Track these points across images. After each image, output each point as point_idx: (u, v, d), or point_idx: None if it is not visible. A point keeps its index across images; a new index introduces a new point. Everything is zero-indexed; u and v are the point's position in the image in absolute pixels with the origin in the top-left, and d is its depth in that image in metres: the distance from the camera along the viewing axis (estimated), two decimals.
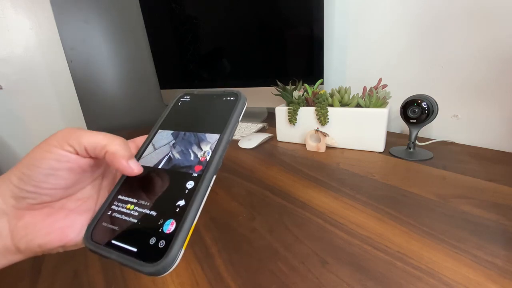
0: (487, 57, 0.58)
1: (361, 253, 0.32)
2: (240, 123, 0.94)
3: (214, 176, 0.20)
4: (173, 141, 0.22)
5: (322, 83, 0.75)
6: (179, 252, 0.16)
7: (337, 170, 0.55)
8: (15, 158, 0.96)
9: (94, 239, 0.19)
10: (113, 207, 0.20)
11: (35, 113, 0.98)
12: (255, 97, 0.93)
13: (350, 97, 0.65)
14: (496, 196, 0.41)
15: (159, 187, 0.20)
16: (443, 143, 0.65)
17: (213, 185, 0.19)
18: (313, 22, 0.75)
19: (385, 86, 0.62)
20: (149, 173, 0.21)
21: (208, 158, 0.20)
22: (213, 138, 0.21)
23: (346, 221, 0.38)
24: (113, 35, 1.17)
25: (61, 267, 0.35)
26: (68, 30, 1.05)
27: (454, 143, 0.65)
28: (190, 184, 0.19)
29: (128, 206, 0.20)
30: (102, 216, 0.20)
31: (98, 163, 0.21)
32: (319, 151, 0.66)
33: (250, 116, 1.05)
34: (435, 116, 0.55)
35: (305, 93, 0.70)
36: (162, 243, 0.17)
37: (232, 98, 0.23)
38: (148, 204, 0.19)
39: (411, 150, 0.59)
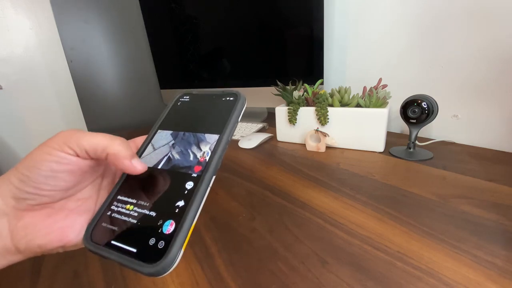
0: (487, 57, 0.58)
1: (361, 253, 0.32)
2: (240, 123, 0.94)
3: (214, 177, 0.20)
4: (173, 142, 0.22)
5: (322, 83, 0.75)
6: (178, 253, 0.16)
7: (337, 170, 0.55)
8: (15, 158, 0.96)
9: (93, 239, 0.19)
10: (112, 207, 0.20)
11: (35, 113, 0.98)
12: (255, 97, 0.93)
13: (350, 97, 0.65)
14: (496, 196, 0.41)
15: (158, 187, 0.20)
16: (443, 143, 0.65)
17: (213, 185, 0.19)
18: (313, 22, 0.75)
19: (385, 86, 0.62)
20: (149, 173, 0.21)
21: (207, 158, 0.20)
22: (212, 138, 0.21)
23: (346, 221, 0.38)
24: (113, 35, 1.17)
25: (61, 267, 0.35)
26: (68, 30, 1.05)
27: (454, 143, 0.65)
28: (189, 185, 0.19)
29: (128, 206, 0.20)
30: (102, 216, 0.20)
31: (98, 164, 0.21)
32: (319, 151, 0.66)
33: (250, 116, 1.05)
34: (435, 116, 0.55)
35: (305, 93, 0.70)
36: (161, 244, 0.17)
37: (231, 98, 0.23)
38: (147, 204, 0.19)
39: (411, 150, 0.59)
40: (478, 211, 0.38)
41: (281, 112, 0.73)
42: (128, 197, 0.20)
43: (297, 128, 0.71)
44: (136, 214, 0.19)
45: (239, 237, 0.37)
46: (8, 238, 0.18)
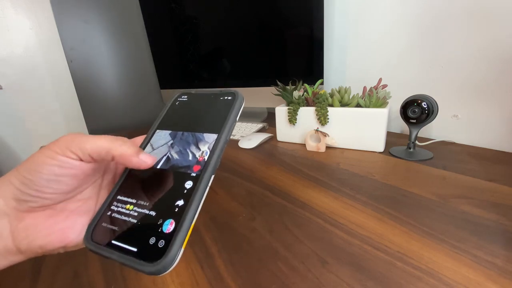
0: (487, 57, 0.58)
1: (361, 253, 0.32)
2: (240, 123, 0.94)
3: (213, 176, 0.20)
4: (171, 141, 0.22)
5: (322, 83, 0.75)
6: (178, 252, 0.16)
7: (337, 170, 0.55)
8: (15, 158, 0.96)
9: (94, 239, 0.19)
10: (112, 207, 0.20)
11: (35, 113, 0.98)
12: (255, 97, 0.93)
13: (350, 97, 0.65)
14: (496, 196, 0.41)
15: (158, 187, 0.20)
16: (443, 143, 0.65)
17: (212, 184, 0.19)
18: (313, 22, 0.75)
19: (385, 86, 0.62)
20: (148, 173, 0.21)
21: (206, 158, 0.20)
22: (211, 138, 0.21)
23: (346, 221, 0.38)
24: (113, 35, 1.17)
25: (61, 268, 0.35)
26: (68, 30, 1.05)
27: (454, 143, 0.65)
28: (188, 184, 0.19)
29: (128, 206, 0.20)
30: (102, 216, 0.20)
31: (100, 165, 0.21)
32: (319, 151, 0.66)
33: (250, 116, 1.05)
34: (435, 116, 0.55)
35: (305, 93, 0.70)
36: (161, 243, 0.17)
37: (229, 98, 0.23)
38: (147, 204, 0.19)
39: (411, 150, 0.59)
40: (478, 211, 0.38)
41: (281, 112, 0.73)
42: (128, 197, 0.20)
43: (297, 128, 0.72)
44: (136, 213, 0.19)
45: (239, 237, 0.37)
46: (9, 239, 0.18)
